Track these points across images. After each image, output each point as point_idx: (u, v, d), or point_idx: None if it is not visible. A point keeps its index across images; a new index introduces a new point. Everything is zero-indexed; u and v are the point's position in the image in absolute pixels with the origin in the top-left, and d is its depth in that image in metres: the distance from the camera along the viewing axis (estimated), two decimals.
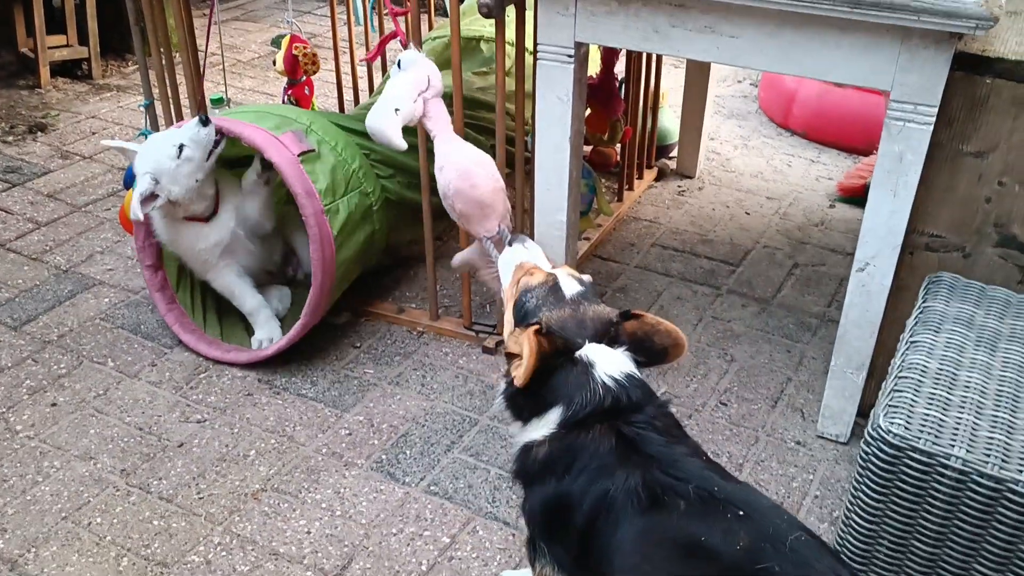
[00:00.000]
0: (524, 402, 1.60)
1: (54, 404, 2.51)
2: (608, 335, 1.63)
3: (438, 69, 2.15)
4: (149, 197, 2.45)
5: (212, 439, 2.40)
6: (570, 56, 2.28)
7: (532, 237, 2.56)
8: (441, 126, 2.13)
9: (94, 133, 4.02)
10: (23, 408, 2.50)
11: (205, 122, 2.47)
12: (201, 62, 2.96)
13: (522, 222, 2.72)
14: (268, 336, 2.69)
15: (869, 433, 1.75)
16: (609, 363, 1.58)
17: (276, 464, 2.32)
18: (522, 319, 1.66)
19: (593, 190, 2.97)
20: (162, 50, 2.94)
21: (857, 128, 3.94)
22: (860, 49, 1.99)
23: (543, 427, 1.58)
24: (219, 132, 2.50)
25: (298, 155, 2.48)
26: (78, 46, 4.54)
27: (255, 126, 2.51)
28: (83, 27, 4.49)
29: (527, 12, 2.43)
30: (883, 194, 2.10)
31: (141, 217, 2.44)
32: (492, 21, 2.43)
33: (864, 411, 2.40)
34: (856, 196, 3.56)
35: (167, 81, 2.97)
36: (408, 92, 2.07)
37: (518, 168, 2.63)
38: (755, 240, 3.32)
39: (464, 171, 2.08)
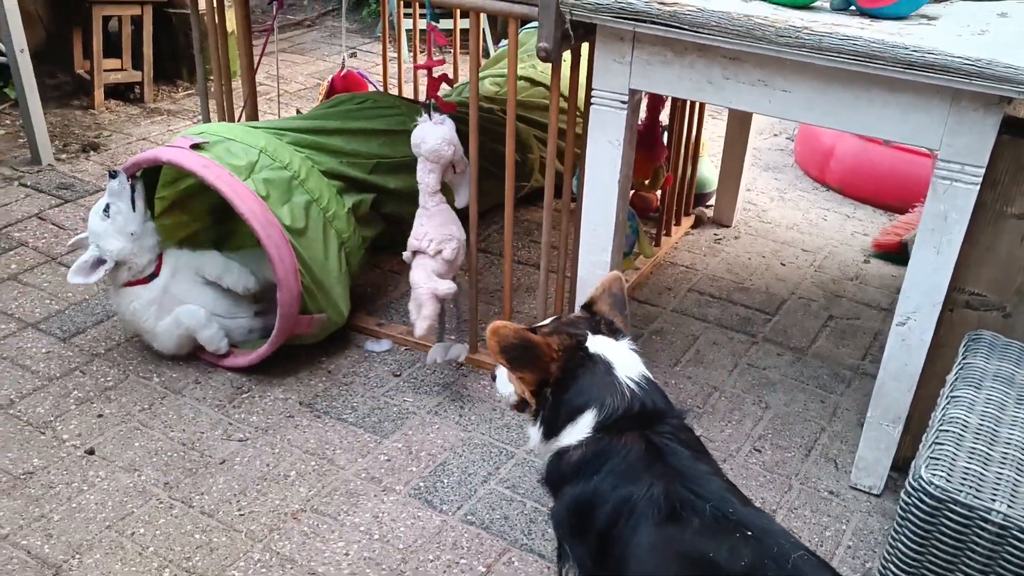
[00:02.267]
0: (556, 413, 1.69)
1: (100, 415, 2.57)
2: (599, 327, 1.76)
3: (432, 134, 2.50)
4: (96, 263, 2.63)
5: (254, 458, 2.45)
6: (624, 102, 2.34)
7: (575, 276, 2.63)
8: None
9: None
10: (70, 418, 2.55)
11: (113, 174, 2.63)
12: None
13: (563, 262, 2.77)
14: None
15: (910, 484, 1.77)
16: (625, 364, 1.71)
17: (316, 486, 2.36)
18: (515, 357, 1.69)
19: (636, 232, 3.03)
20: (222, 78, 3.03)
21: (893, 186, 3.99)
22: (909, 108, 2.04)
23: (577, 432, 1.66)
24: (130, 176, 2.64)
25: (190, 146, 2.59)
26: (132, 70, 4.67)
27: (150, 150, 2.68)
28: (137, 52, 4.63)
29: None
30: (927, 251, 2.14)
31: (79, 282, 2.63)
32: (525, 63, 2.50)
33: (898, 464, 2.42)
34: (891, 253, 3.60)
35: (225, 106, 3.06)
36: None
37: (564, 208, 2.69)
38: (791, 291, 3.36)
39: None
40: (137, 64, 4.67)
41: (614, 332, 1.79)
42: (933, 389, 2.23)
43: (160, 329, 2.71)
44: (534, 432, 1.76)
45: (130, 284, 2.70)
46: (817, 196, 4.18)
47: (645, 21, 2.16)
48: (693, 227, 3.76)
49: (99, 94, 4.56)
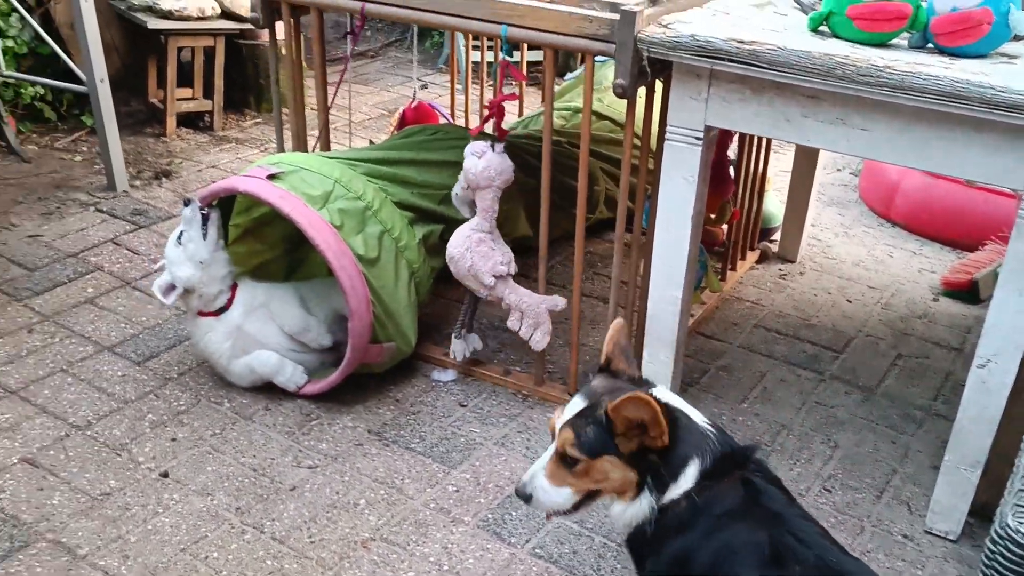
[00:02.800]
0: (664, 474, 1.64)
1: (174, 439, 2.61)
2: (635, 383, 1.75)
3: (507, 164, 2.62)
4: (168, 288, 2.69)
5: (323, 485, 2.47)
6: (699, 139, 2.35)
7: (643, 310, 2.63)
8: (477, 212, 2.69)
9: (214, 182, 4.20)
10: (145, 440, 2.60)
11: (187, 202, 2.71)
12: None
13: (632, 296, 2.77)
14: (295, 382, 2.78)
15: (996, 532, 1.73)
16: (693, 411, 1.71)
17: (385, 515, 2.38)
18: (593, 441, 1.67)
19: (704, 267, 3.02)
20: (297, 109, 3.09)
21: (961, 223, 3.93)
22: (994, 148, 2.02)
23: (683, 484, 1.62)
24: (203, 206, 2.71)
25: (266, 177, 2.64)
26: (203, 99, 4.78)
27: (226, 179, 2.76)
28: (208, 82, 4.74)
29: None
30: (1009, 293, 2.11)
31: (166, 302, 2.70)
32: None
33: (975, 509, 2.37)
34: (961, 291, 3.54)
35: (300, 137, 3.12)
36: (458, 186, 2.74)
37: (634, 242, 2.70)
38: (857, 328, 3.32)
39: (448, 257, 2.73)
40: (208, 93, 4.78)
41: (646, 384, 1.75)
42: (1014, 433, 2.19)
43: (234, 368, 2.76)
44: (639, 504, 1.66)
45: (203, 314, 2.75)
46: (882, 232, 4.13)
47: (723, 59, 2.17)
48: (758, 262, 3.74)
49: (171, 122, 4.67)
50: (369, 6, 2.65)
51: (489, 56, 3.89)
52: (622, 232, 2.60)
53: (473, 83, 4.53)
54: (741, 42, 2.14)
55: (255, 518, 2.35)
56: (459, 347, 2.88)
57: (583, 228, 2.64)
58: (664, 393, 1.73)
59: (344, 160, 2.86)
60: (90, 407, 2.72)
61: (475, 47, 4.49)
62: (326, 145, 3.11)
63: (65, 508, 2.35)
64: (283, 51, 3.14)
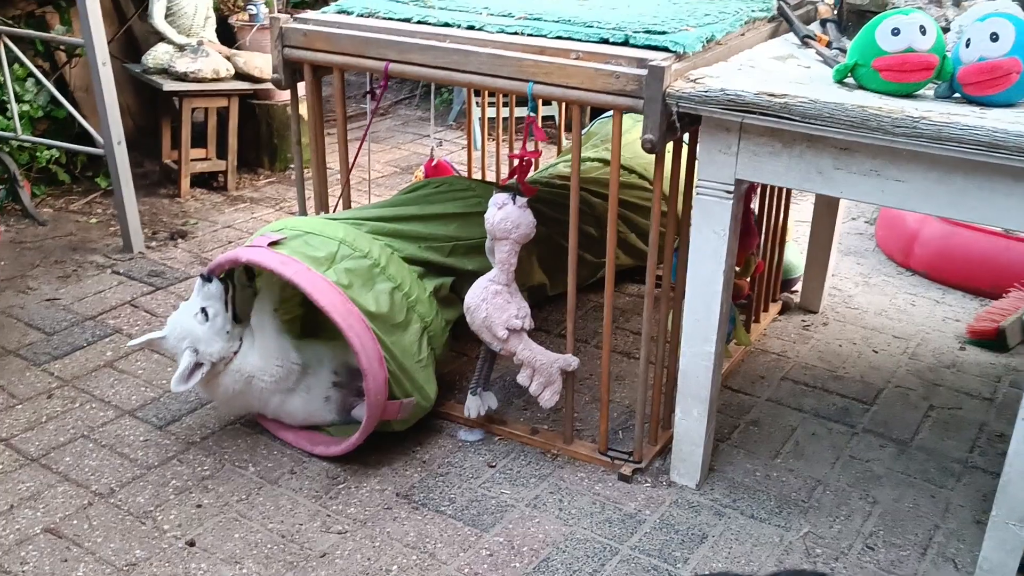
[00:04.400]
0: None
1: (199, 505, 2.56)
2: None
3: (526, 219, 2.59)
4: (194, 368, 2.63)
5: (354, 551, 2.41)
6: (729, 192, 2.33)
7: (673, 366, 2.59)
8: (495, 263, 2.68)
9: (230, 242, 4.20)
10: (170, 507, 2.55)
11: (208, 278, 2.67)
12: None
13: (663, 352, 2.73)
14: None
15: None
16: None
17: None
18: None
19: (733, 321, 2.99)
20: (319, 169, 3.09)
21: (984, 271, 3.91)
22: None
23: None
24: (222, 279, 2.70)
25: (268, 244, 2.63)
26: (216, 159, 4.80)
27: (230, 251, 2.74)
28: (222, 143, 4.76)
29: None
30: None
31: (184, 389, 2.63)
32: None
33: None
34: (988, 339, 3.50)
35: (319, 196, 3.11)
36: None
37: (664, 296, 2.67)
38: (886, 379, 3.28)
39: (465, 308, 2.70)
40: (221, 153, 4.80)
41: None
42: None
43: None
44: None
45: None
46: (903, 281, 4.10)
47: (754, 112, 2.17)
48: (780, 313, 3.71)
49: (185, 183, 4.68)
50: (393, 66, 2.66)
51: (504, 112, 3.91)
52: (652, 286, 2.56)
53: (487, 139, 4.54)
54: (772, 95, 2.13)
55: None
56: (474, 404, 2.84)
57: (612, 283, 2.61)
58: None
59: (348, 220, 2.85)
60: (113, 474, 2.67)
61: (490, 103, 4.52)
62: (348, 203, 3.10)
63: None
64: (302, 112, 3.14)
